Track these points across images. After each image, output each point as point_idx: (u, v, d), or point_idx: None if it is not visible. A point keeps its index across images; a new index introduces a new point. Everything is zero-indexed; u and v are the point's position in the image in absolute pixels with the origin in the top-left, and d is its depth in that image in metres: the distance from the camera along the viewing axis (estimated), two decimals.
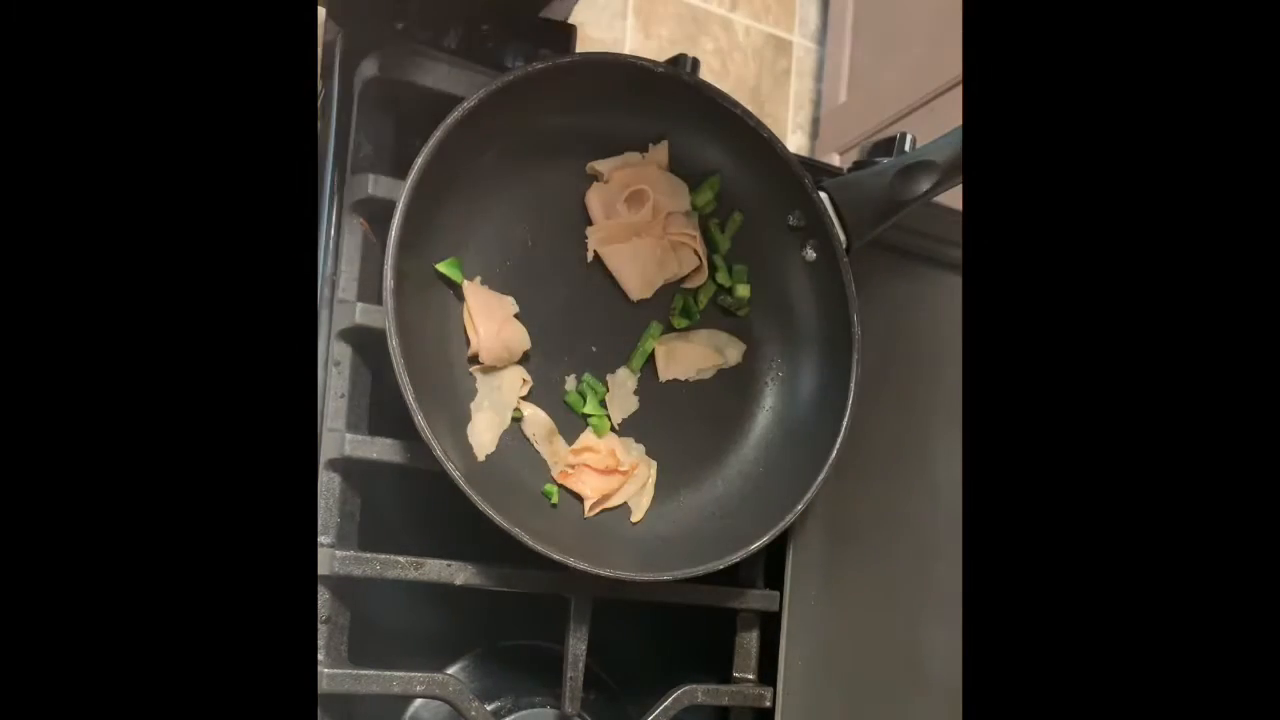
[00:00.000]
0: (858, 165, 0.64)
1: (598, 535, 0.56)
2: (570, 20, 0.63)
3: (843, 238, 0.58)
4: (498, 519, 0.49)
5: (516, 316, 0.56)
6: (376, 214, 0.53)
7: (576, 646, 0.55)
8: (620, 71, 0.55)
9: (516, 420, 0.56)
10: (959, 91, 1.46)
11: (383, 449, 0.52)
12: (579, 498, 0.57)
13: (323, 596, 0.51)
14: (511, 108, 0.53)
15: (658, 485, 0.58)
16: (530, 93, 0.53)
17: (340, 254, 0.53)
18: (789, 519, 0.56)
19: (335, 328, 0.53)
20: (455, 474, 0.48)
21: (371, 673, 0.50)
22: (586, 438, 0.57)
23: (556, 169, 0.57)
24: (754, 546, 0.55)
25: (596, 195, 0.58)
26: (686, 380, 0.60)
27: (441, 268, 0.54)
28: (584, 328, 0.58)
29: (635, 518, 0.58)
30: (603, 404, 0.57)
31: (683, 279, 0.60)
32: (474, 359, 0.55)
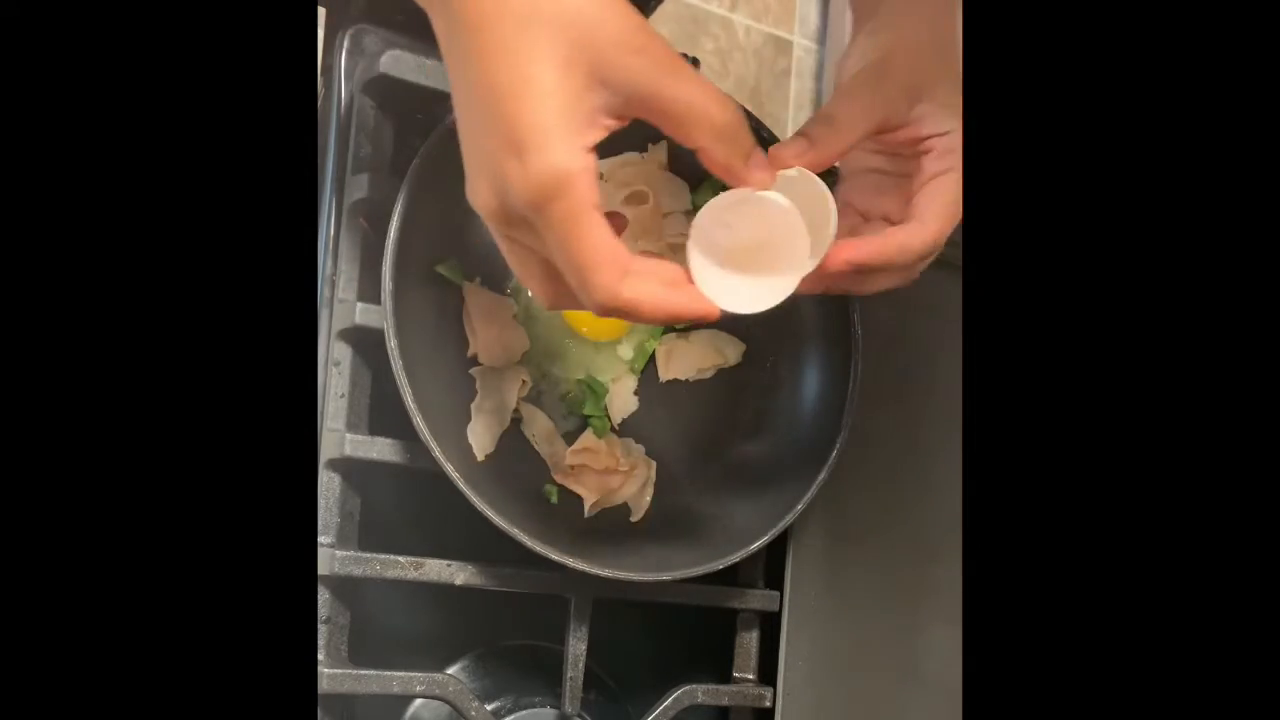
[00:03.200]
0: None
1: (597, 535, 0.56)
2: None
3: None
4: (496, 519, 0.49)
5: (516, 317, 0.56)
6: (376, 214, 0.53)
7: (576, 646, 0.55)
8: None
9: (516, 421, 0.56)
10: None
11: (383, 449, 0.52)
12: (578, 498, 0.57)
13: (323, 596, 0.51)
14: None
15: (657, 485, 0.58)
16: None
17: (340, 254, 0.53)
18: (789, 519, 0.56)
19: (335, 328, 0.53)
20: (454, 474, 0.48)
21: (371, 673, 0.50)
22: (586, 438, 0.57)
23: None
24: (754, 546, 0.55)
25: None
26: (686, 380, 0.60)
27: (441, 269, 0.54)
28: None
29: (635, 518, 0.58)
30: (603, 404, 0.57)
31: None
32: (474, 360, 0.55)
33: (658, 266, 0.39)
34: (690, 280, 0.40)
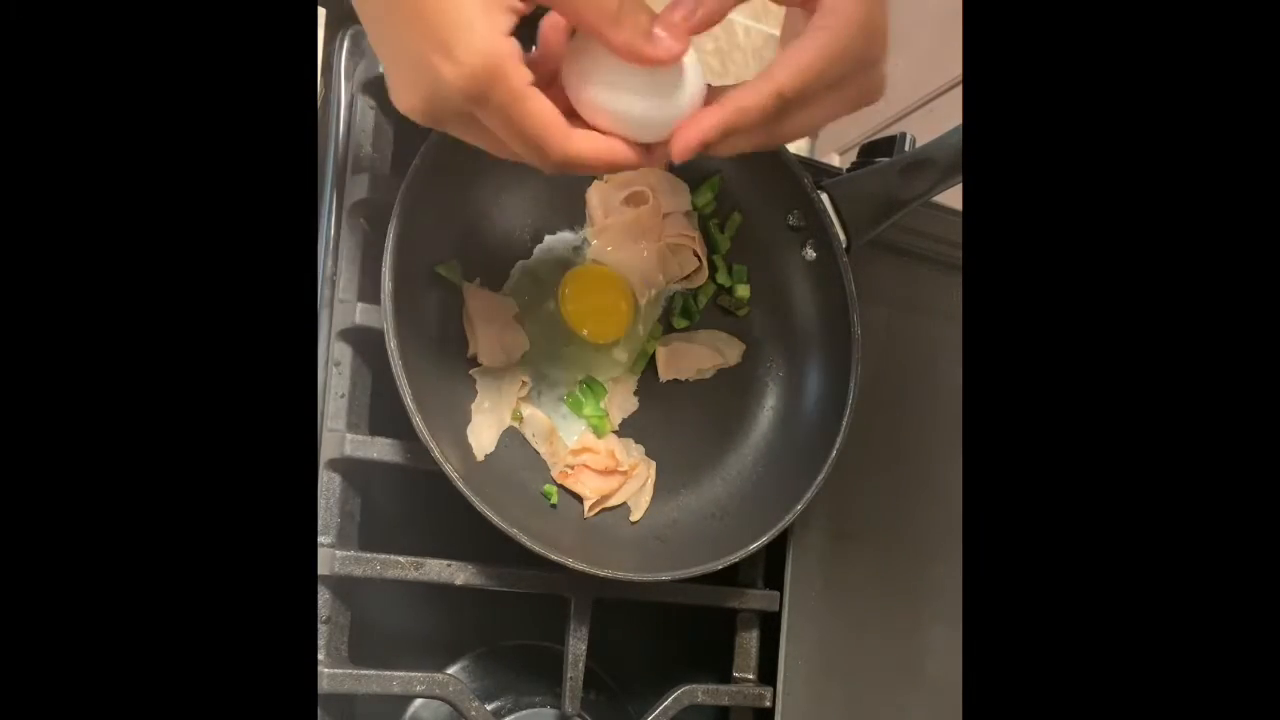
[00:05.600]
0: (857, 165, 0.64)
1: (597, 535, 0.56)
2: None
3: (843, 237, 0.58)
4: (496, 520, 0.49)
5: (516, 318, 0.56)
6: (376, 214, 0.53)
7: (576, 646, 0.55)
8: None
9: (516, 421, 0.56)
10: (959, 91, 1.46)
11: (383, 449, 0.52)
12: (578, 498, 0.57)
13: (323, 596, 0.51)
14: None
15: (657, 485, 0.58)
16: None
17: (340, 254, 0.53)
18: (789, 519, 0.56)
19: (335, 328, 0.53)
20: (454, 474, 0.48)
21: (371, 673, 0.50)
22: (586, 438, 0.57)
23: None
24: (754, 546, 0.55)
25: (597, 194, 0.58)
26: (686, 380, 0.60)
27: (441, 270, 0.54)
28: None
29: (634, 517, 0.58)
30: (602, 405, 0.57)
31: (682, 279, 0.60)
32: (474, 360, 0.55)
33: (585, 126, 0.42)
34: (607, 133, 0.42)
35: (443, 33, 0.36)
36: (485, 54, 0.36)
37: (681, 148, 0.42)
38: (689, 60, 0.42)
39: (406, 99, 0.39)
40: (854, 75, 0.44)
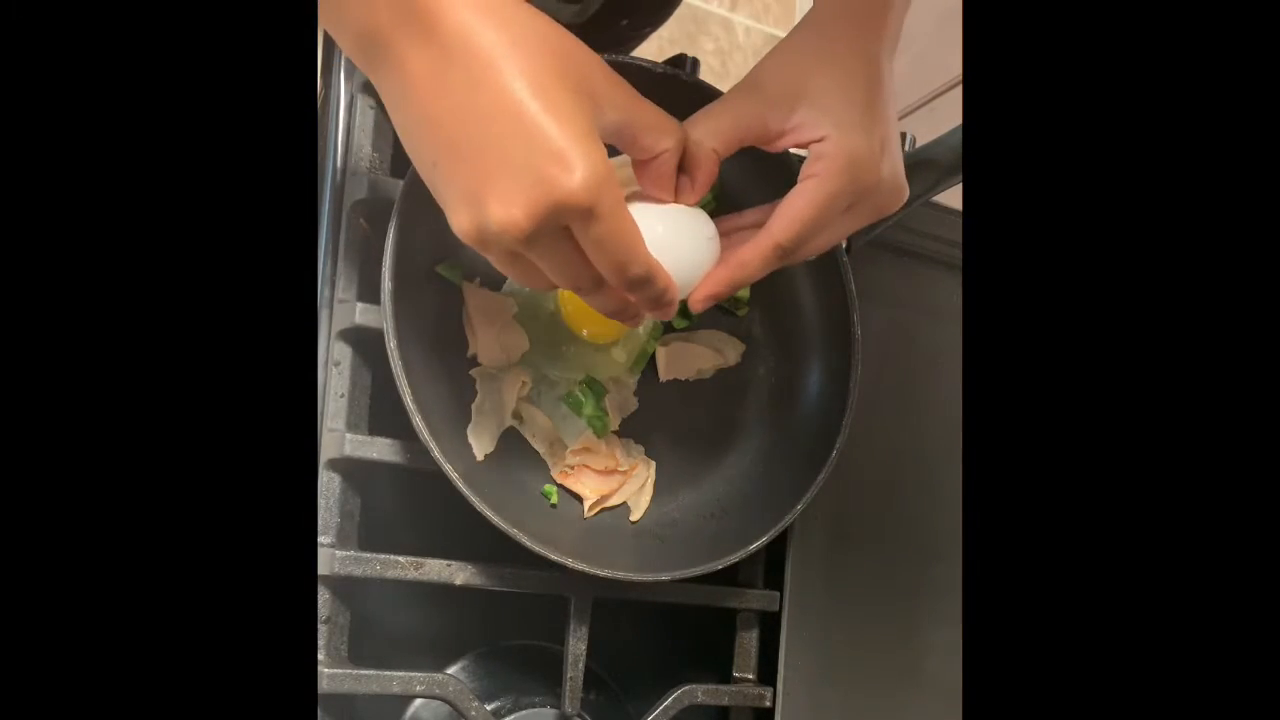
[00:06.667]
0: None
1: (597, 535, 0.56)
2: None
3: None
4: (496, 520, 0.49)
5: (516, 318, 0.56)
6: (376, 214, 0.53)
7: (576, 646, 0.55)
8: (620, 72, 0.54)
9: (516, 421, 0.56)
10: (959, 91, 1.46)
11: (383, 449, 0.52)
12: (578, 498, 0.57)
13: (323, 596, 0.51)
14: None
15: (657, 485, 0.58)
16: None
17: (340, 254, 0.53)
18: (789, 519, 0.56)
19: (335, 328, 0.53)
20: (454, 474, 0.48)
21: (371, 673, 0.50)
22: (586, 438, 0.57)
23: None
24: (754, 546, 0.55)
25: None
26: (686, 380, 0.60)
27: (441, 270, 0.54)
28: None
29: (634, 517, 0.58)
30: (602, 404, 0.57)
31: None
32: (473, 360, 0.55)
33: None
34: None
35: (559, 145, 0.37)
36: (600, 164, 0.38)
37: (694, 303, 0.47)
38: (706, 231, 0.46)
39: (504, 212, 0.38)
40: (856, 204, 0.46)
